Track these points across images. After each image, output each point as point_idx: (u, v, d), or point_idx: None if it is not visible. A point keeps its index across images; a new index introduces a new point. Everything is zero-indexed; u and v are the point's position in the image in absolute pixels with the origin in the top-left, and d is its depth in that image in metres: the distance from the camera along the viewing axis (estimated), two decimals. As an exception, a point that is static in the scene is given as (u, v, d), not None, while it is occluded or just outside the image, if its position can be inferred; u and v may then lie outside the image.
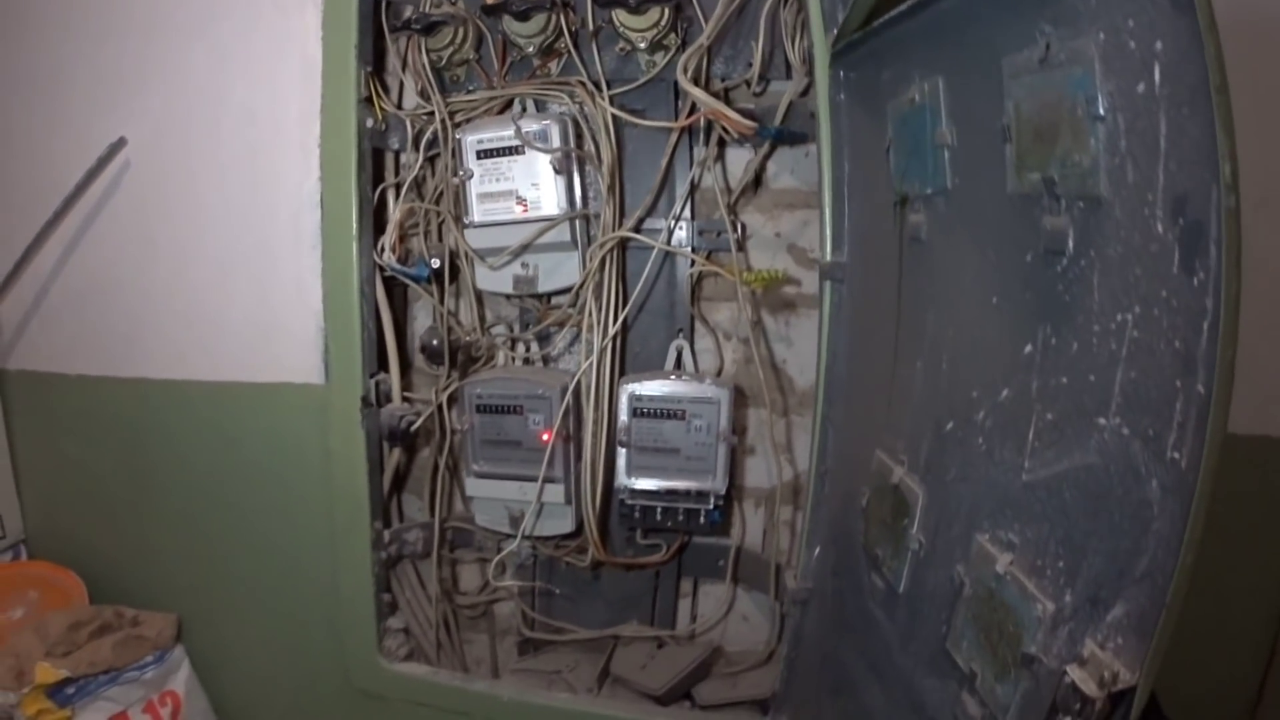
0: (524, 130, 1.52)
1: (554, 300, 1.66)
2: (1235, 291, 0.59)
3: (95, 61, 1.80)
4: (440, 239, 1.67)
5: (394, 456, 1.66)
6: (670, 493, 1.57)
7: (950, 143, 1.01)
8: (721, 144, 1.61)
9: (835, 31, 1.37)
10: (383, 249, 1.57)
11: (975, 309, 0.97)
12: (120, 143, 1.74)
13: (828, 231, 1.42)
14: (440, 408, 1.63)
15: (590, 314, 1.54)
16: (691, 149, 1.62)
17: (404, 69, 1.66)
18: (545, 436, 1.55)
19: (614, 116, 1.57)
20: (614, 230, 1.55)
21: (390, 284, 1.63)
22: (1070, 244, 0.78)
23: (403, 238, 1.59)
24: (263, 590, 1.77)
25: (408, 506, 1.80)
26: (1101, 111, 0.72)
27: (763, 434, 1.67)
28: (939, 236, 1.08)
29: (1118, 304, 0.72)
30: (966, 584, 0.93)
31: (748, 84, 1.60)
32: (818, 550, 1.48)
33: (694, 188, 1.62)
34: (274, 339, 1.66)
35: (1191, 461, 0.62)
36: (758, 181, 1.64)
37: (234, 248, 1.69)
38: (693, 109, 1.57)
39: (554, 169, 1.52)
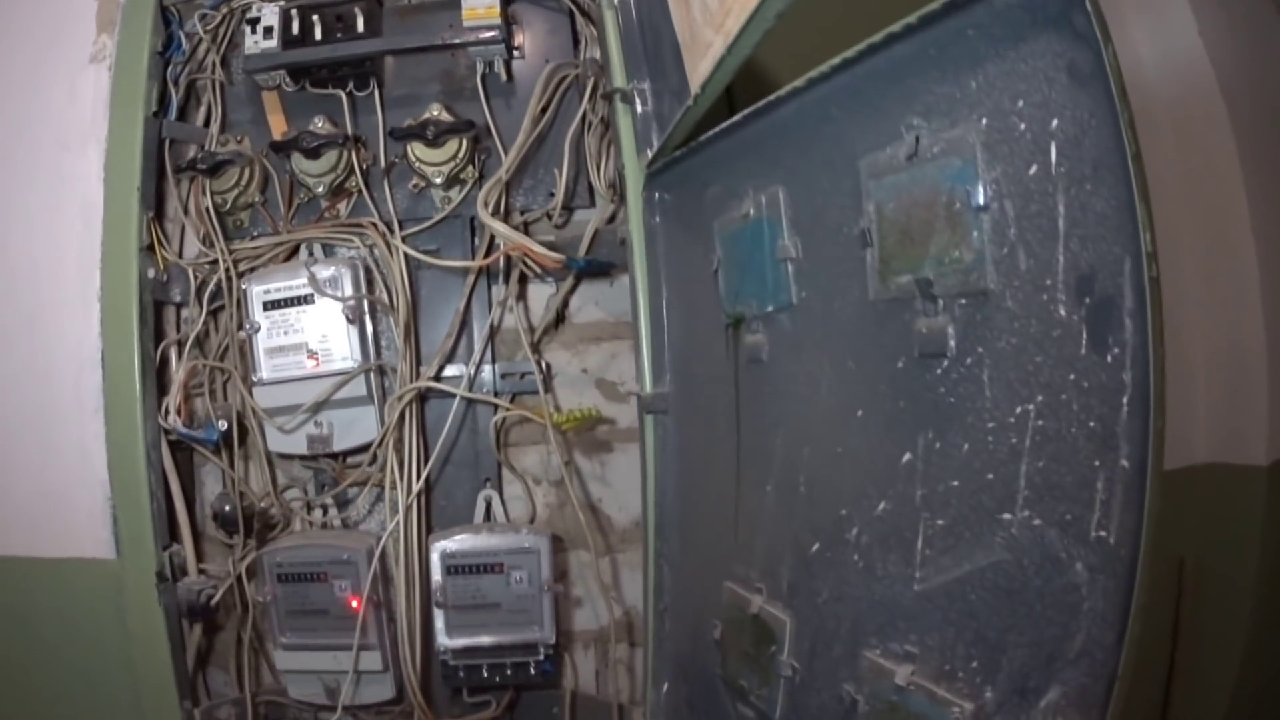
0: (316, 277, 1.35)
1: (350, 459, 1.49)
2: (1161, 359, 0.58)
3: None
4: (225, 398, 1.49)
5: (195, 633, 1.48)
6: (496, 648, 1.43)
7: (794, 255, 0.96)
8: (523, 281, 1.47)
9: (650, 152, 1.29)
10: (167, 411, 1.39)
11: (835, 425, 0.91)
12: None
13: (646, 363, 1.32)
14: (240, 579, 1.44)
15: (392, 471, 1.37)
16: (490, 288, 1.48)
17: (185, 214, 1.49)
18: (354, 603, 1.39)
19: (408, 258, 1.41)
20: (412, 381, 1.40)
21: (175, 448, 1.45)
22: (952, 344, 0.73)
23: (187, 398, 1.41)
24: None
25: (214, 681, 1.61)
26: (984, 201, 0.68)
27: (584, 576, 1.53)
28: (784, 355, 1.01)
29: (1015, 396, 0.68)
30: (860, 701, 0.86)
31: (549, 215, 1.47)
32: (665, 686, 1.36)
33: (494, 329, 1.47)
34: (59, 510, 1.47)
35: (1123, 536, 0.60)
36: (559, 318, 1.50)
37: (11, 408, 1.49)
38: (491, 246, 1.42)
39: (346, 318, 1.37)
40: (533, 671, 1.44)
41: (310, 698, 1.48)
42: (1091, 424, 0.62)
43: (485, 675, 1.44)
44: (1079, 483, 0.63)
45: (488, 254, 1.43)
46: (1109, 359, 0.60)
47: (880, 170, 0.80)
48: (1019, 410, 0.67)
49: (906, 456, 0.79)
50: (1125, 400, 0.59)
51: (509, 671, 1.44)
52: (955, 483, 0.74)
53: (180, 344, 1.45)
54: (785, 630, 0.98)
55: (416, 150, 1.41)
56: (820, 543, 0.94)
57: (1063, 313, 0.63)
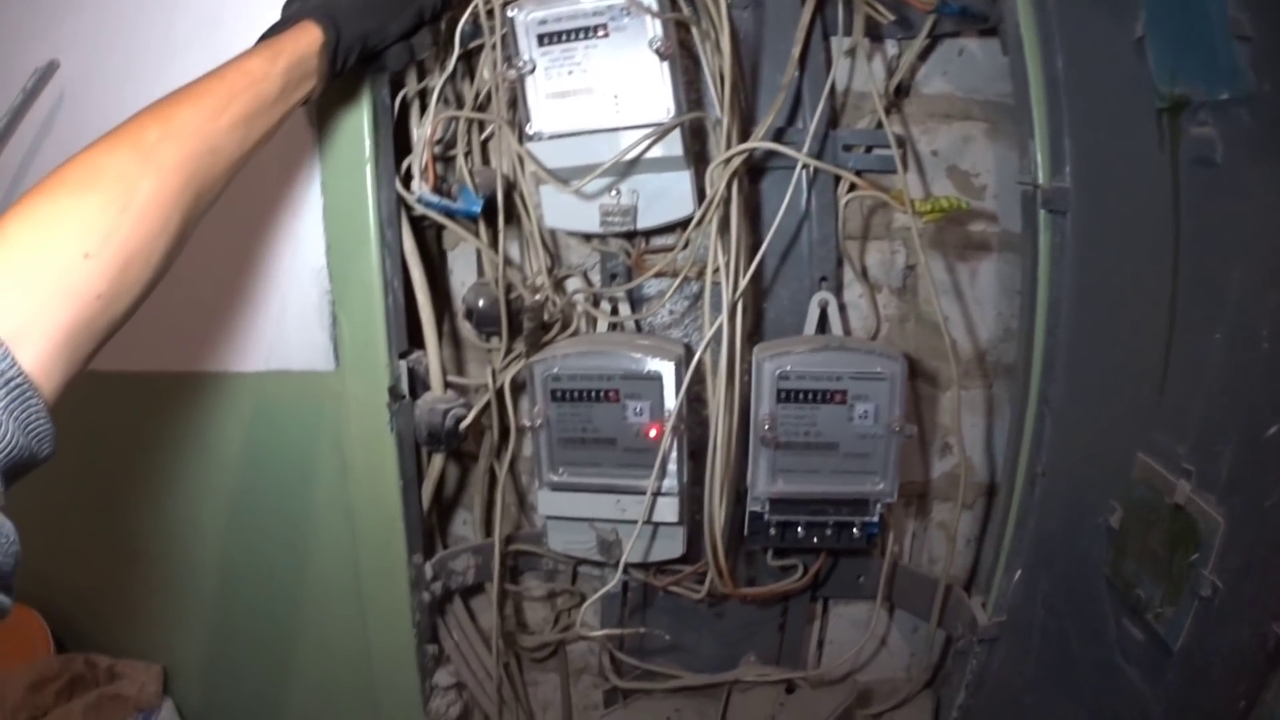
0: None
1: (653, 241, 1.03)
2: None
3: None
4: (485, 162, 1.02)
5: (436, 464, 1.03)
6: (822, 501, 0.98)
7: (1248, 33, 0.60)
8: (868, 34, 1.00)
9: None
10: (409, 175, 0.93)
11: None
12: (51, 67, 1.10)
13: (1040, 148, 0.89)
14: (500, 395, 0.99)
15: (716, 258, 0.92)
16: (827, 37, 1.01)
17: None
18: (653, 432, 0.95)
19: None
20: (736, 141, 0.93)
21: (419, 227, 0.99)
22: None
23: (435, 161, 0.94)
24: (269, 635, 1.13)
25: (453, 520, 1.16)
26: None
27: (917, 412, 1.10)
28: (1244, 158, 0.65)
29: None
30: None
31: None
32: (1019, 574, 0.98)
33: (838, 90, 1.00)
34: (259, 310, 1.01)
35: None
36: (902, 86, 1.04)
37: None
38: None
39: (658, 53, 0.89)
40: (856, 534, 1.01)
41: (576, 551, 1.03)
42: None
43: (801, 534, 1.01)
44: None
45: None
46: None
47: None
48: None
49: None
50: None
51: (829, 532, 1.01)
52: None
53: (424, 93, 0.98)
54: (1216, 534, 0.66)
55: None
56: (1281, 423, 0.64)
57: None
